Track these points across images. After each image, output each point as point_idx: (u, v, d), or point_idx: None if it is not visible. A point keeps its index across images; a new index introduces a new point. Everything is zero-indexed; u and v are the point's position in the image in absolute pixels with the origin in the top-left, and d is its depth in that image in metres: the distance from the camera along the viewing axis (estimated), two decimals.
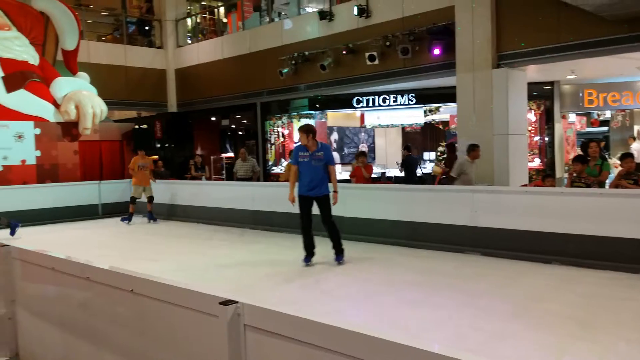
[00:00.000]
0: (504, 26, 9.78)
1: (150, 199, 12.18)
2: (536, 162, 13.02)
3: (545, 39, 9.28)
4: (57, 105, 13.08)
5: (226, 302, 2.25)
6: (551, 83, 13.10)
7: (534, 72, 10.86)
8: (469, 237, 7.74)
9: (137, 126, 16.76)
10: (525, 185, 9.46)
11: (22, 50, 13.06)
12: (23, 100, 12.71)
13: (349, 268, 7.11)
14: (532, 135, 12.97)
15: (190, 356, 2.56)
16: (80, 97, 13.01)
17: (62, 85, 13.23)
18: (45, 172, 13.00)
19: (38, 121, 12.92)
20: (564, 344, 4.22)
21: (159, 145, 17.32)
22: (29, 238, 9.65)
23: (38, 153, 12.94)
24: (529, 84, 10.74)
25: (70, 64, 13.96)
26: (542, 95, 13.14)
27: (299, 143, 7.32)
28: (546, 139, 13.35)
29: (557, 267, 6.69)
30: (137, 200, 12.05)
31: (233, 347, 2.21)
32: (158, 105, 17.05)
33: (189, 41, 17.51)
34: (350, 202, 9.27)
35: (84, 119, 12.96)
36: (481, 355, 1.49)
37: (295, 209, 7.14)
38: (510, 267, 6.83)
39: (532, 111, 13.07)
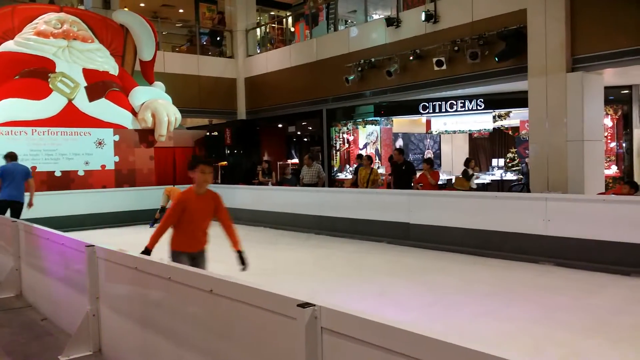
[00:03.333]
0: (579, 28, 9.42)
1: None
2: (613, 170, 12.41)
3: (625, 40, 8.86)
4: (134, 113, 13.85)
5: (304, 305, 2.26)
6: (629, 87, 12.45)
7: (611, 75, 10.36)
8: (542, 247, 7.48)
9: (208, 133, 17.30)
10: (603, 193, 9.03)
11: (104, 61, 13.96)
12: (103, 108, 13.51)
13: (417, 277, 7.04)
14: (609, 141, 12.37)
15: (268, 357, 2.58)
16: (157, 105, 13.74)
17: (140, 94, 14.03)
18: (123, 177, 13.66)
19: (117, 128, 13.72)
20: None
21: (228, 152, 17.82)
22: (109, 239, 10.15)
23: (116, 159, 13.60)
24: (606, 88, 10.27)
25: (147, 74, 14.79)
26: (619, 99, 12.52)
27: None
28: (624, 145, 12.70)
29: (636, 279, 6.35)
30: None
31: (310, 350, 2.23)
32: (228, 113, 17.57)
33: (258, 50, 17.94)
34: (417, 209, 9.19)
35: (159, 126, 13.69)
36: None
37: (358, 214, 7.01)
38: (587, 279, 6.54)
39: (609, 116, 12.48)
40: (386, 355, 1.87)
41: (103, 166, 13.38)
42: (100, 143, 13.31)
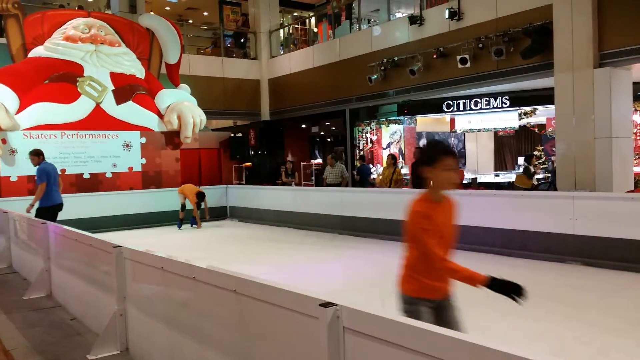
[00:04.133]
0: (606, 23, 9.23)
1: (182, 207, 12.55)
2: None
3: None
4: (160, 115, 14.06)
5: (326, 305, 2.27)
6: None
7: None
8: (569, 246, 7.36)
9: (233, 134, 17.45)
10: (632, 191, 8.83)
11: (130, 64, 14.19)
12: (130, 111, 13.74)
13: None
14: (638, 138, 12.09)
15: (290, 356, 2.60)
16: (182, 107, 13.92)
17: (166, 97, 14.22)
18: (149, 179, 13.87)
19: (144, 131, 13.93)
20: None
21: (252, 153, 17.94)
22: (136, 240, 10.33)
23: (143, 161, 13.81)
24: (635, 83, 10.04)
25: (173, 77, 14.99)
26: None
27: None
28: None
29: None
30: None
31: (332, 349, 2.24)
32: (252, 114, 17.69)
33: (282, 51, 18.02)
34: None
35: (185, 128, 13.86)
36: None
37: (381, 214, 6.95)
38: (614, 278, 6.42)
39: (638, 112, 12.20)
40: (408, 354, 1.87)
41: (130, 168, 13.60)
42: (127, 145, 13.53)
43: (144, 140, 13.74)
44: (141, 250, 4.33)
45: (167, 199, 13.20)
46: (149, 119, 13.86)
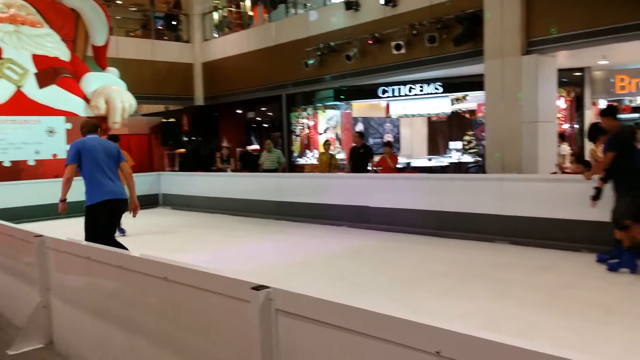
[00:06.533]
0: (534, 12, 9.58)
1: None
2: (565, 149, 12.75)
3: (577, 24, 9.06)
4: (87, 100, 13.43)
5: (258, 287, 2.27)
6: (582, 69, 12.81)
7: (565, 58, 10.61)
8: (497, 226, 7.65)
9: (164, 120, 16.97)
10: (555, 172, 9.28)
11: (54, 46, 13.45)
12: (54, 95, 13.04)
13: (378, 259, 7.10)
14: (562, 122, 12.70)
15: (223, 341, 2.58)
16: (110, 91, 13.35)
17: (92, 81, 13.60)
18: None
19: (69, 116, 13.26)
20: (595, 331, 4.15)
21: (186, 139, 17.52)
22: (62, 230, 9.86)
23: (68, 147, 13.18)
24: (559, 70, 10.51)
25: (100, 60, 14.34)
26: (572, 81, 12.86)
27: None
28: (576, 126, 13.07)
29: (586, 255, 6.56)
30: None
31: (265, 332, 2.23)
32: (185, 99, 17.24)
33: (216, 35, 17.63)
34: (376, 192, 9.25)
35: (113, 113, 13.31)
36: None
37: (318, 199, 6.90)
38: (540, 256, 6.73)
39: (562, 98, 12.80)
40: (341, 333, 1.87)
41: (54, 155, 12.95)
42: (51, 131, 12.87)
43: (69, 126, 13.09)
44: (64, 239, 4.15)
45: None
46: (74, 104, 13.21)
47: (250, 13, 17.39)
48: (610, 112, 6.25)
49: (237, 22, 17.95)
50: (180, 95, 17.04)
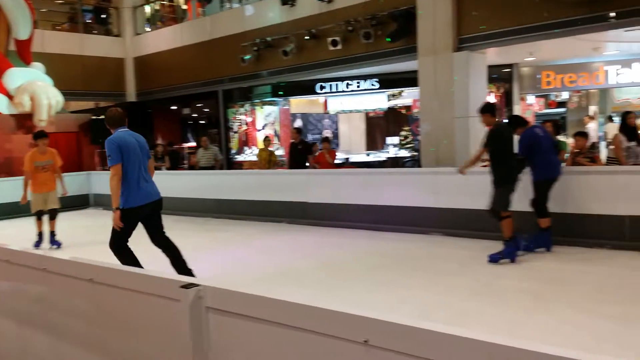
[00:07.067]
0: (464, 9, 9.84)
1: (53, 213, 8.52)
2: None
3: (505, 21, 9.38)
4: (10, 96, 12.72)
5: (187, 286, 2.22)
6: (510, 65, 13.32)
7: (494, 55, 10.99)
8: (432, 219, 7.84)
9: (94, 117, 16.31)
10: (485, 165, 9.60)
11: None
12: None
13: (317, 254, 7.11)
14: None
15: (153, 342, 2.51)
16: (35, 88, 12.72)
17: (16, 76, 12.90)
18: None
19: None
20: (523, 317, 4.33)
21: None
22: None
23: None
24: (489, 66, 10.86)
25: (24, 54, 13.62)
26: (501, 77, 13.35)
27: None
28: (505, 121, 13.56)
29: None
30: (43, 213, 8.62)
31: (195, 330, 2.18)
32: (116, 95, 16.65)
33: (148, 29, 17.12)
34: (315, 188, 9.28)
35: (39, 110, 12.67)
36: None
37: (257, 196, 6.88)
38: (472, 246, 6.95)
39: (492, 94, 13.27)
40: (271, 327, 1.85)
41: None
42: None
43: None
44: None
45: (20, 188, 12.03)
46: None
47: (184, 7, 17.01)
48: (487, 109, 6.63)
49: (170, 15, 17.49)
50: (111, 91, 16.45)
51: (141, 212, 5.33)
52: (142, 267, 4.74)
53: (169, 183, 11.91)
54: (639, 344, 3.69)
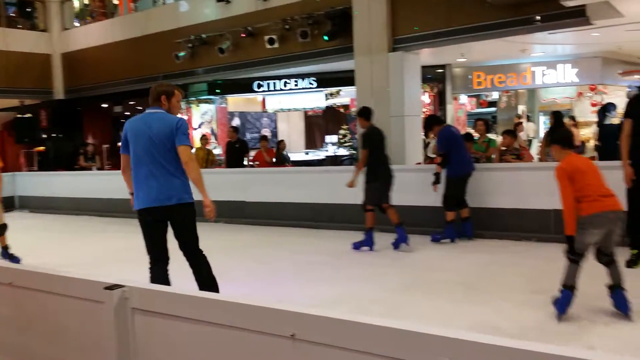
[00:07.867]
0: (398, 11, 10.02)
1: (2, 228, 7.34)
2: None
3: (437, 23, 9.63)
4: None
5: (112, 287, 2.15)
6: (443, 66, 13.71)
7: (427, 55, 11.27)
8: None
9: (19, 115, 15.52)
10: (420, 163, 9.85)
11: None
12: None
13: (253, 253, 7.05)
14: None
15: (78, 346, 2.43)
16: None
17: None
18: None
19: None
20: (457, 308, 4.46)
21: (45, 136, 16.14)
22: None
23: None
24: (423, 67, 11.13)
25: None
26: (435, 78, 13.72)
27: None
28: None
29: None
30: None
31: (121, 332, 2.11)
32: (43, 92, 15.90)
33: (77, 24, 16.44)
34: (252, 187, 9.21)
35: None
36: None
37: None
38: (410, 241, 7.09)
39: (427, 93, 13.61)
40: (198, 326, 1.82)
41: None
42: None
43: None
44: None
45: None
46: None
47: (115, 1, 16.45)
48: (362, 113, 7.07)
49: (101, 10, 16.85)
50: (37, 88, 15.67)
51: (142, 218, 4.41)
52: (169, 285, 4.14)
53: (100, 184, 11.54)
54: (561, 332, 3.87)
